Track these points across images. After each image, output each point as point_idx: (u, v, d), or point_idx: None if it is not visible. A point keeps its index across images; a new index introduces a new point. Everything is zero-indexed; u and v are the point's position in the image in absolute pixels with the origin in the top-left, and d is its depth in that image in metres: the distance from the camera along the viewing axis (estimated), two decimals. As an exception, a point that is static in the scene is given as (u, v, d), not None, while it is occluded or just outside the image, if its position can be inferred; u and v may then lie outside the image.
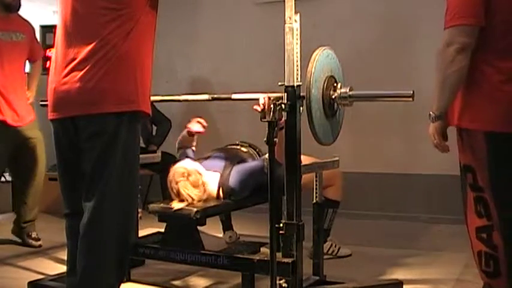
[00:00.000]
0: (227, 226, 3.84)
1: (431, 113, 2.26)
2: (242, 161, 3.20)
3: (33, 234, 4.05)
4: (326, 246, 3.46)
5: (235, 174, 3.08)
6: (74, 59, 2.27)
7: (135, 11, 2.28)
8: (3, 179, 4.70)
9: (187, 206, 2.93)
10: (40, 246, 3.97)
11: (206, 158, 3.25)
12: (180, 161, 3.18)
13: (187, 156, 3.30)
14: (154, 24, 2.39)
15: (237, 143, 3.50)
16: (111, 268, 2.30)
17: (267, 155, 3.01)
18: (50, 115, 2.38)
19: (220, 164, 3.17)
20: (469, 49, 2.15)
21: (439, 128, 2.26)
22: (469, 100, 2.22)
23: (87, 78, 2.24)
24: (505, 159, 2.22)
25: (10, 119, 3.83)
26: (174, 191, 2.96)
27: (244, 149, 3.37)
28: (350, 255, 3.67)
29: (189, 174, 2.98)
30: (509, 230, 2.22)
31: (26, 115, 3.91)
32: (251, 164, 3.14)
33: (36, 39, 4.19)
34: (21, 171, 4.07)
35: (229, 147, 3.46)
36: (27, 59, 4.05)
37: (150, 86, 2.39)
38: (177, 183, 2.96)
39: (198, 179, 2.99)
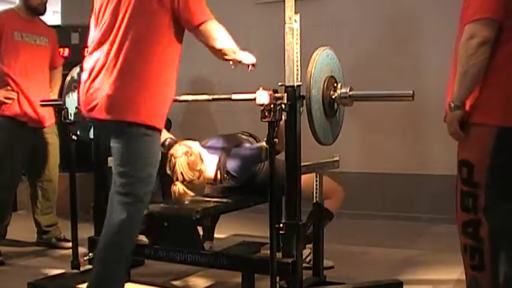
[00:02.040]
0: (208, 235, 3.54)
1: (450, 103, 2.31)
2: (240, 144, 3.20)
3: (62, 236, 4.05)
4: (305, 253, 3.17)
5: (233, 157, 3.08)
6: (103, 66, 2.48)
7: (162, 38, 2.49)
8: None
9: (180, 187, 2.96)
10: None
11: (204, 144, 3.25)
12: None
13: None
14: (179, 52, 2.60)
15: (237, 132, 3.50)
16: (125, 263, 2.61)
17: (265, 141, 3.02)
18: (83, 112, 2.63)
19: (218, 146, 3.18)
20: (490, 43, 2.23)
21: (457, 116, 2.31)
22: (481, 95, 2.28)
23: (114, 87, 2.44)
24: (509, 153, 2.28)
25: (31, 120, 3.85)
26: (171, 164, 2.99)
27: (244, 137, 3.36)
28: (332, 267, 3.39)
29: (190, 155, 3.00)
30: (496, 224, 2.28)
31: (46, 118, 3.92)
32: (249, 148, 3.13)
33: (57, 46, 4.17)
34: (34, 174, 4.07)
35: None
36: (49, 65, 4.04)
37: (167, 108, 2.60)
38: (175, 158, 2.98)
39: (197, 163, 3.01)
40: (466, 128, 2.32)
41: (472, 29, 2.23)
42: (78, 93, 2.78)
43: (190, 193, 3.00)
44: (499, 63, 2.25)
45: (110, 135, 2.55)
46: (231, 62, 2.67)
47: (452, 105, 2.30)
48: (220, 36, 2.54)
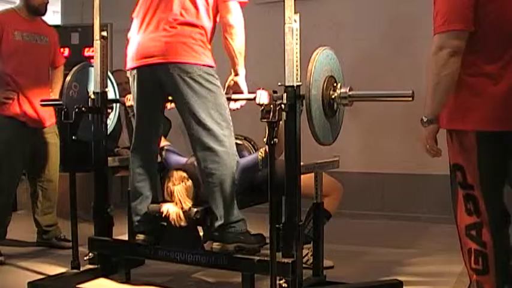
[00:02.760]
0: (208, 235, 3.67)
1: (423, 117, 2.29)
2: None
3: (62, 236, 4.04)
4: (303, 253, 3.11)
5: None
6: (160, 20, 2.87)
7: None
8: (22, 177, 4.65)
9: (176, 210, 2.90)
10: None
11: None
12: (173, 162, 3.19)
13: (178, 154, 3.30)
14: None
15: None
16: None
17: (261, 150, 3.03)
18: (133, 64, 2.93)
19: None
20: (460, 53, 2.20)
21: (432, 131, 2.31)
22: (458, 102, 2.27)
23: (170, 35, 2.84)
24: (493, 156, 2.29)
25: (31, 120, 3.85)
26: (168, 191, 2.94)
27: (238, 141, 3.34)
28: (332, 267, 3.38)
29: (187, 180, 2.94)
30: (497, 226, 2.28)
31: (47, 118, 3.92)
32: (244, 160, 3.11)
33: (59, 45, 4.16)
34: (34, 174, 4.07)
35: None
36: (50, 64, 4.05)
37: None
38: (173, 185, 2.93)
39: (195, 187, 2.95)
40: (449, 133, 2.33)
41: (441, 40, 2.20)
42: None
43: (182, 216, 2.91)
44: (471, 71, 2.24)
45: (165, 86, 2.85)
46: (232, 80, 2.97)
47: (425, 119, 2.28)
48: (238, 14, 2.90)
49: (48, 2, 3.93)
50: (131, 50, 2.96)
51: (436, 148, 2.32)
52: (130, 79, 2.99)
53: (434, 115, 2.27)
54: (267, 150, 2.92)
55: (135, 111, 3.07)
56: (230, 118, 2.90)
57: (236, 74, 2.96)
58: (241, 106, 3.08)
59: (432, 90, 2.25)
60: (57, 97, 3.93)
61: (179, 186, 2.92)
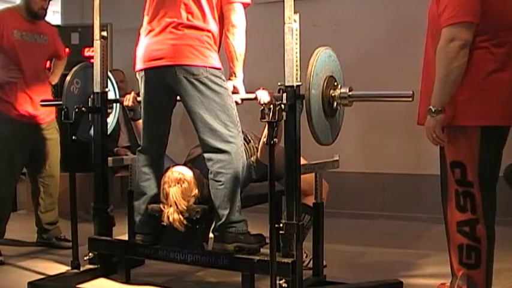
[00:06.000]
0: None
1: (431, 107, 2.32)
2: None
3: (62, 236, 4.03)
4: None
5: None
6: (168, 24, 2.89)
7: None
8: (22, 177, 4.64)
9: (178, 217, 2.88)
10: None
11: (193, 160, 3.20)
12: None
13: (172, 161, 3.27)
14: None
15: None
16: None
17: (252, 159, 3.03)
18: (141, 65, 2.96)
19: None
20: (469, 46, 2.25)
21: (440, 121, 2.32)
22: (463, 97, 2.31)
23: (178, 37, 2.87)
24: (496, 150, 2.36)
25: (31, 117, 3.87)
26: (164, 192, 2.92)
27: None
28: (325, 266, 3.26)
29: (183, 182, 2.91)
30: (491, 221, 2.36)
31: (46, 114, 3.94)
32: None
33: (59, 38, 4.18)
34: (35, 170, 4.07)
35: None
36: (54, 57, 4.11)
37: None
38: (169, 186, 2.90)
39: (191, 189, 2.92)
40: (451, 131, 2.35)
41: (451, 32, 2.25)
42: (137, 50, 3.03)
43: (184, 221, 2.89)
44: (474, 64, 2.28)
45: (173, 88, 2.87)
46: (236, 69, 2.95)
47: (434, 109, 2.31)
48: (241, 15, 2.90)
49: (47, 7, 3.94)
50: (139, 52, 2.98)
51: (443, 137, 2.33)
52: (139, 80, 3.00)
53: (442, 106, 2.30)
54: (258, 156, 3.00)
55: (142, 111, 3.07)
56: (238, 119, 2.92)
57: (234, 77, 2.96)
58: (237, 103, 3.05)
59: (441, 81, 2.28)
60: (56, 79, 4.04)
61: (175, 188, 2.89)
